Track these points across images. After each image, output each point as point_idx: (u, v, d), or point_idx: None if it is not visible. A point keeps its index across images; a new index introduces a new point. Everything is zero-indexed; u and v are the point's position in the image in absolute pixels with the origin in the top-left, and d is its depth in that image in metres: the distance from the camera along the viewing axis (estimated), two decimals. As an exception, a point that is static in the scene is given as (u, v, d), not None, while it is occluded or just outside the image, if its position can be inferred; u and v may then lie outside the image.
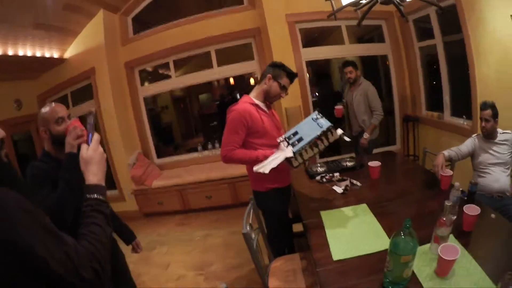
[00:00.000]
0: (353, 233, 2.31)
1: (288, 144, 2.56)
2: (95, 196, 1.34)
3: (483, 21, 3.82)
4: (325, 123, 2.52)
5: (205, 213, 5.97)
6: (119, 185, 6.46)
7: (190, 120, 9.75)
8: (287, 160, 2.51)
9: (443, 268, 1.74)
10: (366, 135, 4.83)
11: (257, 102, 2.86)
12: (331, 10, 2.81)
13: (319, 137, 2.48)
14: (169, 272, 4.36)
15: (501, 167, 3.15)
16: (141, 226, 5.95)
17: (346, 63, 4.93)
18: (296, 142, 2.53)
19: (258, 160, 2.66)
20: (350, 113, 5.14)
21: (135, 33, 6.48)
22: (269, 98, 2.92)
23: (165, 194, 6.09)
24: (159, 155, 7.08)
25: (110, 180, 6.50)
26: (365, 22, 5.42)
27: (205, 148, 6.91)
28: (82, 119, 2.09)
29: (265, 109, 2.93)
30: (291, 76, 2.87)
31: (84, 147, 1.45)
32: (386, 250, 1.73)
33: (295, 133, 2.60)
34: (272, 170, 2.51)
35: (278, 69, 2.83)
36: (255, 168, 2.54)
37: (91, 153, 1.42)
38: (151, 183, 6.07)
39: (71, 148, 2.00)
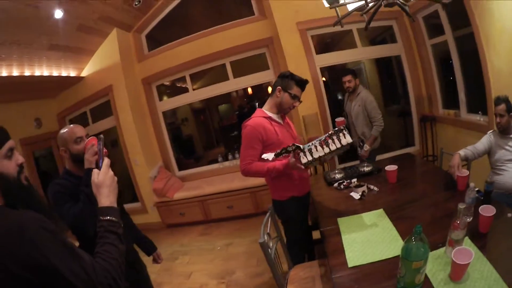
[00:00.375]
0: (369, 239, 2.32)
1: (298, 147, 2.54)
2: (108, 217, 1.42)
3: (491, 11, 3.72)
4: (338, 128, 2.52)
5: (227, 223, 6.03)
6: (141, 198, 6.56)
7: (210, 132, 9.81)
8: (296, 154, 2.52)
9: (457, 272, 1.72)
10: (366, 147, 4.54)
11: (270, 114, 2.91)
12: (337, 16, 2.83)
13: (330, 136, 2.49)
14: (191, 281, 4.42)
15: None
16: (164, 237, 6.05)
17: (345, 71, 4.81)
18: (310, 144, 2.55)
19: (269, 172, 2.73)
20: (349, 124, 4.98)
21: (150, 49, 6.61)
22: (282, 110, 2.94)
23: (187, 205, 6.17)
24: (180, 168, 7.16)
25: (133, 193, 6.64)
26: (376, 24, 5.47)
27: (225, 159, 6.97)
28: (103, 133, 2.20)
29: (279, 120, 2.97)
30: (302, 83, 2.88)
31: (95, 172, 1.52)
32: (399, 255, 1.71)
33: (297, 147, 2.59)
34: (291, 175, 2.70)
35: (287, 80, 2.85)
36: (263, 155, 2.58)
37: (102, 178, 1.50)
38: (173, 195, 6.16)
39: (89, 164, 2.11)
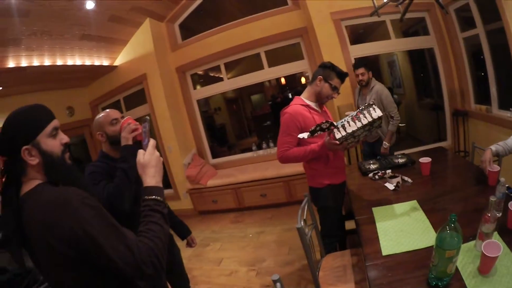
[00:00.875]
0: (402, 229, 2.36)
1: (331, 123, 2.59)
2: (153, 197, 1.46)
3: None
4: (367, 103, 2.58)
5: (259, 211, 6.10)
6: (174, 185, 6.73)
7: (243, 121, 9.87)
8: (331, 132, 2.55)
9: (485, 265, 1.73)
10: (385, 145, 4.49)
11: (308, 102, 2.97)
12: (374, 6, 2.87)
13: (361, 111, 2.54)
14: (222, 268, 4.52)
15: None
16: (196, 223, 6.16)
17: (358, 63, 4.65)
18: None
19: (306, 154, 2.80)
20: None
21: (183, 39, 6.72)
22: (321, 99, 2.99)
23: (220, 192, 6.28)
24: (214, 156, 7.27)
25: (166, 180, 6.75)
26: (408, 15, 5.45)
27: (259, 147, 7.05)
28: (137, 119, 2.31)
29: (317, 108, 3.02)
30: (342, 76, 2.91)
31: (141, 152, 1.57)
32: (432, 246, 1.74)
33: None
34: (328, 162, 2.86)
35: (328, 70, 2.89)
36: (300, 135, 2.62)
37: (148, 158, 1.54)
38: (206, 182, 6.28)
39: (126, 141, 2.21)
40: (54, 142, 1.40)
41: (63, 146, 1.44)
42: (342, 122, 2.54)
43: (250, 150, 7.12)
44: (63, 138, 1.46)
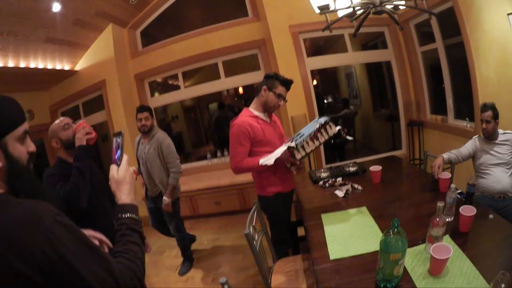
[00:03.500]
0: (351, 234, 2.40)
1: (292, 140, 2.70)
2: (129, 215, 1.35)
3: (481, 21, 3.87)
4: (324, 119, 2.67)
5: (214, 219, 6.10)
6: (130, 193, 6.54)
7: (200, 129, 9.85)
8: (291, 152, 2.65)
9: (436, 267, 1.80)
10: (166, 200, 4.00)
11: (256, 114, 3.00)
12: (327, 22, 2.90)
13: (318, 130, 2.63)
14: (178, 274, 4.49)
15: (502, 167, 3.15)
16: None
17: (141, 108, 4.04)
18: (298, 138, 2.69)
19: (261, 167, 2.80)
20: (143, 171, 4.20)
21: (144, 46, 6.66)
22: (268, 109, 3.02)
23: (175, 200, 6.17)
24: (169, 164, 7.15)
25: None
26: (368, 29, 5.59)
27: (214, 155, 7.02)
28: (94, 128, 2.33)
29: (266, 119, 3.05)
30: (286, 83, 2.96)
31: (114, 168, 1.45)
32: None
33: (299, 134, 2.75)
34: (277, 171, 2.88)
35: (272, 79, 2.94)
36: (260, 161, 2.70)
37: (122, 174, 1.43)
38: (162, 190, 6.16)
39: (80, 142, 2.28)
40: (21, 148, 1.22)
41: (28, 155, 1.26)
42: (301, 143, 2.62)
43: (205, 158, 7.10)
44: (30, 145, 1.29)
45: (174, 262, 4.80)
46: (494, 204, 3.10)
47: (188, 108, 9.51)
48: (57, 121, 2.42)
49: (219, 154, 6.97)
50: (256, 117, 2.97)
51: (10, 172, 1.16)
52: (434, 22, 4.91)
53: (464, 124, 4.72)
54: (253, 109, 3.04)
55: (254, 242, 2.53)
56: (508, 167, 3.16)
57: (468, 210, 2.12)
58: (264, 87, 2.94)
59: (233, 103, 9.11)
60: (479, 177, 3.30)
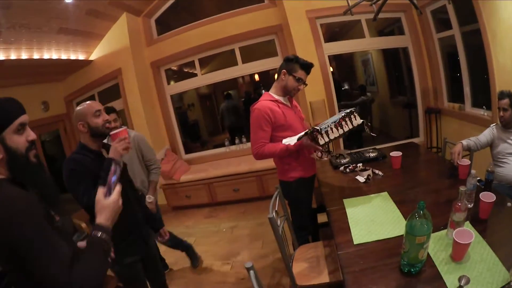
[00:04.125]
0: (373, 219, 2.40)
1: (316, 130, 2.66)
2: (103, 235, 1.43)
3: (498, 8, 3.79)
4: (349, 109, 2.65)
5: (233, 206, 6.12)
6: (147, 180, 6.60)
7: (216, 117, 9.85)
8: (314, 137, 2.62)
9: (458, 252, 1.79)
10: (150, 198, 3.76)
11: (277, 97, 2.98)
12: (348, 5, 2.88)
13: (343, 118, 2.62)
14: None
15: None
16: (169, 219, 6.13)
17: (107, 109, 3.45)
18: (322, 125, 2.66)
19: (282, 152, 2.82)
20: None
21: (159, 34, 6.67)
22: (288, 92, 3.00)
23: (193, 188, 6.26)
24: (187, 151, 7.25)
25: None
26: (384, 15, 5.53)
27: (232, 143, 7.04)
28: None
29: (287, 103, 3.04)
30: (306, 67, 2.91)
31: (101, 191, 1.52)
32: (403, 235, 1.77)
33: (323, 123, 2.71)
34: (299, 157, 2.90)
35: (291, 63, 2.90)
36: (284, 141, 2.73)
37: (111, 202, 1.51)
38: (179, 177, 6.25)
39: (114, 154, 2.17)
40: (19, 138, 1.36)
41: (28, 143, 1.40)
42: (325, 128, 2.61)
43: (223, 145, 7.11)
44: (30, 134, 1.41)
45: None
46: (510, 192, 3.04)
47: (204, 96, 9.49)
48: (85, 104, 2.31)
49: (237, 141, 6.97)
50: (276, 101, 2.95)
51: (9, 162, 1.33)
52: (450, 9, 4.84)
53: (481, 112, 4.69)
54: (273, 93, 3.02)
55: (277, 226, 2.53)
56: None
57: (488, 197, 2.10)
58: (284, 70, 2.92)
59: (249, 90, 9.07)
60: (496, 165, 3.25)
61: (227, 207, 6.13)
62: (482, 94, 4.63)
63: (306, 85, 3.02)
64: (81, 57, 6.24)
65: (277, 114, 2.85)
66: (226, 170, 6.14)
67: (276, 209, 2.69)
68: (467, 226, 2.03)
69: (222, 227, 5.37)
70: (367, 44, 6.03)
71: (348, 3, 2.80)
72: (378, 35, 6.41)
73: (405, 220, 1.89)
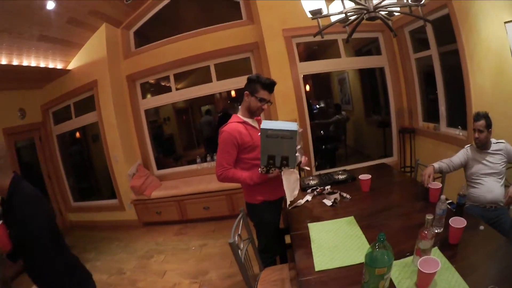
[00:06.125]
0: (337, 245, 2.37)
1: (279, 167, 2.67)
2: None
3: (477, 29, 3.84)
4: (288, 133, 2.51)
5: (203, 224, 6.04)
6: (119, 195, 6.53)
7: (191, 132, 9.77)
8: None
9: (423, 281, 1.77)
10: None
11: (244, 119, 2.96)
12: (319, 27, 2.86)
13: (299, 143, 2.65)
14: (165, 280, 4.42)
15: (494, 177, 3.14)
16: (140, 235, 6.07)
17: None
18: (285, 162, 2.64)
19: (245, 182, 2.86)
20: None
21: (136, 47, 6.61)
22: (252, 113, 2.98)
23: (164, 204, 6.16)
24: (159, 167, 7.15)
25: (111, 189, 6.62)
26: (362, 35, 5.59)
27: (204, 160, 6.95)
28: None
29: (254, 124, 3.02)
30: (267, 86, 2.88)
31: None
32: None
33: (271, 157, 2.62)
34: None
35: (253, 84, 2.88)
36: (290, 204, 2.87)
37: None
38: (150, 193, 6.15)
39: None
40: None
41: None
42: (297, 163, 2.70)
43: (195, 162, 7.03)
44: None
45: (161, 267, 4.75)
46: (486, 214, 3.07)
47: (180, 110, 9.40)
48: None
49: (208, 158, 6.90)
50: (244, 122, 2.94)
51: None
52: (429, 29, 4.89)
53: (457, 132, 4.72)
54: (240, 115, 3.00)
55: (240, 251, 2.48)
56: (500, 176, 3.16)
57: (458, 222, 2.10)
58: (246, 92, 2.92)
59: (226, 106, 9.07)
60: (470, 186, 3.28)
61: (197, 225, 6.06)
62: (458, 114, 4.67)
63: (271, 103, 3.02)
64: (59, 66, 6.16)
65: (244, 136, 2.84)
66: (197, 187, 6.07)
67: (240, 232, 2.65)
68: (435, 252, 2.02)
69: (191, 245, 5.30)
70: (343, 64, 6.05)
71: (319, 25, 2.76)
72: (355, 55, 6.46)
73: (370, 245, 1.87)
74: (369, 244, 2.25)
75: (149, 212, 6.32)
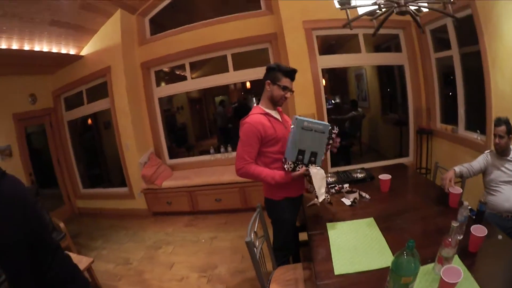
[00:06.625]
0: (357, 247, 2.29)
1: (307, 164, 2.61)
2: None
3: (500, 31, 3.70)
4: (322, 126, 2.53)
5: (214, 216, 5.99)
6: (129, 183, 6.50)
7: (205, 122, 9.74)
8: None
9: None
10: None
11: (267, 111, 2.84)
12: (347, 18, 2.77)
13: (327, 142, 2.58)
14: (173, 272, 4.36)
15: None
16: (149, 224, 6.04)
17: None
18: (313, 159, 2.58)
19: (266, 181, 2.73)
20: None
21: (152, 34, 6.54)
22: (275, 103, 2.87)
23: (175, 194, 6.12)
24: (171, 156, 7.10)
25: (122, 177, 6.60)
26: (383, 31, 5.42)
27: (217, 151, 6.88)
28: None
29: (277, 116, 2.90)
30: (289, 73, 2.78)
31: None
32: (388, 267, 1.68)
33: (301, 152, 2.58)
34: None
35: (273, 72, 2.78)
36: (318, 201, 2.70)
37: None
38: (161, 183, 6.11)
39: None
40: None
41: None
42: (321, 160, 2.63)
43: (209, 152, 6.95)
44: None
45: (169, 259, 4.69)
46: (502, 223, 2.96)
47: (194, 99, 9.40)
48: None
49: (222, 149, 6.83)
50: (267, 114, 2.82)
51: None
52: (451, 29, 4.77)
53: (475, 136, 4.60)
54: (263, 106, 2.88)
55: (255, 249, 2.39)
56: None
57: (479, 230, 2.03)
58: (268, 81, 2.80)
59: (240, 97, 9.00)
60: (488, 193, 3.17)
61: (208, 217, 6.01)
62: (477, 117, 4.54)
63: (293, 92, 2.91)
64: (72, 51, 6.12)
65: (267, 128, 2.72)
66: (209, 179, 6.01)
67: (256, 229, 2.57)
68: (456, 261, 1.94)
69: (201, 237, 5.23)
70: (363, 59, 5.92)
71: (348, 16, 2.68)
72: (374, 51, 6.35)
73: (390, 250, 1.90)
74: (389, 247, 2.21)
75: (159, 202, 6.28)
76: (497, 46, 3.80)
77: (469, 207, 2.29)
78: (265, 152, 2.77)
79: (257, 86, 7.65)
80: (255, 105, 2.99)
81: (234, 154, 6.60)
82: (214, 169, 6.48)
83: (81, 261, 3.52)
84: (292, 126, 2.53)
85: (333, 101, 8.47)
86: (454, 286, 1.66)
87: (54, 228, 4.57)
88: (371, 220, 2.68)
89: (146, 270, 4.45)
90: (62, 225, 4.59)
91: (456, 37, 4.78)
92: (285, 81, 2.76)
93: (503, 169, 3.06)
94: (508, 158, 3.05)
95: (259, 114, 2.78)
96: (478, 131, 4.53)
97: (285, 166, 2.60)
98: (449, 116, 5.44)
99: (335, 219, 2.81)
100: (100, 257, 4.85)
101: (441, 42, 5.22)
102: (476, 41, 4.11)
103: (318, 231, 2.63)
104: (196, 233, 5.34)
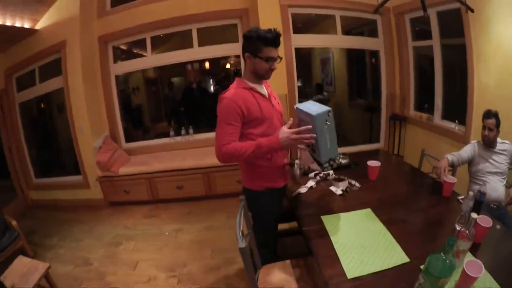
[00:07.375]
0: (363, 244, 2.07)
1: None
2: None
3: (488, 27, 3.75)
4: (315, 112, 2.36)
5: (175, 205, 5.61)
6: (83, 171, 5.95)
7: (160, 104, 9.38)
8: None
9: (465, 284, 1.62)
10: None
11: (252, 85, 2.43)
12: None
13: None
14: (138, 273, 3.93)
15: (499, 176, 3.17)
16: (107, 216, 5.56)
17: None
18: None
19: (260, 148, 2.26)
20: None
21: (112, 6, 6.03)
22: (261, 77, 2.44)
23: (133, 182, 5.68)
24: (127, 139, 6.64)
25: (75, 165, 6.07)
26: (360, 15, 5.30)
27: (177, 133, 6.49)
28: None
29: (263, 92, 2.50)
30: (271, 41, 2.31)
31: None
32: (402, 264, 1.76)
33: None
34: (272, 160, 2.49)
35: (252, 42, 2.31)
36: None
37: None
38: (118, 169, 5.66)
39: None
40: None
41: None
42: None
43: (167, 135, 6.56)
44: None
45: (132, 257, 4.25)
46: (490, 212, 2.85)
47: (150, 80, 9.04)
48: None
49: (183, 132, 6.45)
50: (251, 88, 2.40)
51: None
52: (433, 20, 4.78)
53: (452, 126, 4.67)
54: (246, 80, 2.46)
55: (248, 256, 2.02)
56: (504, 177, 3.22)
57: (485, 221, 2.02)
58: (247, 54, 2.36)
59: (199, 79, 8.73)
60: (473, 183, 3.31)
61: (170, 206, 5.61)
62: (455, 108, 4.67)
63: (281, 59, 2.43)
64: (26, 24, 5.53)
65: (251, 105, 2.31)
66: (170, 164, 5.64)
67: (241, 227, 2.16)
68: (468, 254, 1.89)
69: (164, 230, 4.84)
70: (338, 41, 5.79)
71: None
72: (343, 34, 6.15)
73: (399, 244, 1.98)
74: (397, 241, 2.07)
75: (116, 191, 5.81)
76: (483, 42, 3.87)
77: (462, 197, 2.46)
78: (247, 134, 2.35)
79: (215, 68, 7.35)
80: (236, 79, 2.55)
81: (196, 137, 6.36)
82: (175, 153, 6.11)
83: (37, 267, 3.17)
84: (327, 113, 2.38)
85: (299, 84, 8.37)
86: (476, 280, 1.61)
87: (7, 227, 4.10)
88: (368, 211, 2.49)
89: (108, 271, 3.99)
90: (14, 223, 4.12)
91: (438, 28, 4.80)
92: (267, 51, 2.30)
93: (490, 160, 3.20)
94: (495, 150, 3.20)
95: (241, 88, 2.37)
96: (456, 121, 4.58)
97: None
98: (423, 105, 5.50)
99: (328, 211, 2.54)
100: (58, 257, 4.37)
101: (419, 32, 5.29)
102: (459, 34, 4.17)
103: (314, 226, 2.34)
104: (158, 226, 4.95)
